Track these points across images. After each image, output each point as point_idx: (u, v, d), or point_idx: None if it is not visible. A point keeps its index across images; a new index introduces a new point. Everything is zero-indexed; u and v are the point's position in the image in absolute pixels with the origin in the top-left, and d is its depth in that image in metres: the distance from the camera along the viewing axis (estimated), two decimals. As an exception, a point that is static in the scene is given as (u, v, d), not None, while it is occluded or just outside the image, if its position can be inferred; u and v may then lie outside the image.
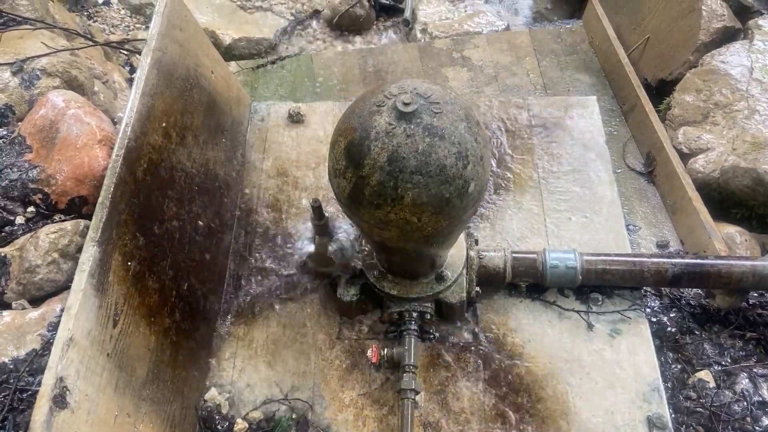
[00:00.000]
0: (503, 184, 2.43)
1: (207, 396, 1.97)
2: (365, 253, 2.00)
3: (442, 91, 1.43)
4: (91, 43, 2.61)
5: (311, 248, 1.98)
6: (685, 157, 2.47)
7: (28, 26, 2.30)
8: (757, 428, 1.84)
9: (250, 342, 2.10)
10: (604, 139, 2.54)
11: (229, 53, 3.32)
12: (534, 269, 2.04)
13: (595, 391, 1.92)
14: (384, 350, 1.91)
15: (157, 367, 1.73)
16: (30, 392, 1.46)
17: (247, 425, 1.89)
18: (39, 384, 1.36)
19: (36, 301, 1.71)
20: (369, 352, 1.93)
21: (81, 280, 1.48)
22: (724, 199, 2.37)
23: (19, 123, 1.96)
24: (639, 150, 2.71)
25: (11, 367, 1.53)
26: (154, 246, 1.80)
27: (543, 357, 2.00)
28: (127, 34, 3.40)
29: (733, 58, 2.53)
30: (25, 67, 2.09)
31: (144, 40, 2.01)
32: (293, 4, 3.76)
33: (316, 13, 3.71)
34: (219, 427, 1.90)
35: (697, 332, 2.09)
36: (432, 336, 2.05)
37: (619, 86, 2.92)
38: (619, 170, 2.62)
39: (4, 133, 1.94)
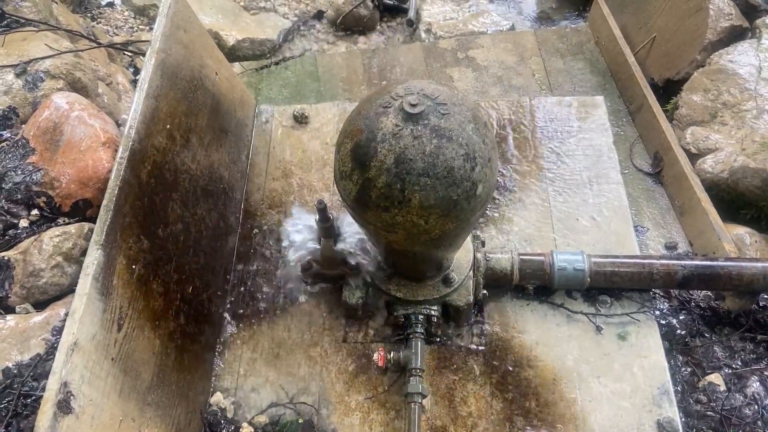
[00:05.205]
0: (510, 185, 2.41)
1: (212, 400, 1.96)
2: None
3: (449, 92, 1.42)
4: (94, 44, 2.59)
5: (315, 250, 1.97)
6: (693, 157, 2.44)
7: (31, 28, 2.29)
8: (768, 432, 1.82)
9: (256, 345, 2.09)
10: (611, 140, 2.52)
11: (233, 54, 3.31)
12: (541, 271, 2.02)
13: (603, 394, 1.90)
14: (390, 354, 1.90)
15: (162, 371, 1.72)
16: (34, 397, 1.45)
17: (252, 430, 1.88)
18: (43, 389, 1.35)
19: (40, 305, 1.69)
20: (375, 356, 1.92)
21: (85, 283, 1.47)
22: (733, 200, 2.35)
23: (23, 125, 1.95)
24: (646, 150, 2.69)
25: (15, 371, 1.51)
26: (158, 249, 1.79)
27: (551, 360, 1.98)
28: (131, 36, 3.39)
29: (741, 58, 2.51)
30: (28, 69, 2.08)
31: (148, 41, 2.00)
32: (297, 5, 3.75)
33: (319, 14, 3.71)
34: (224, 431, 1.88)
35: (707, 335, 2.07)
36: (439, 339, 2.03)
37: (626, 86, 2.90)
38: (627, 171, 2.60)
39: (8, 135, 1.93)
